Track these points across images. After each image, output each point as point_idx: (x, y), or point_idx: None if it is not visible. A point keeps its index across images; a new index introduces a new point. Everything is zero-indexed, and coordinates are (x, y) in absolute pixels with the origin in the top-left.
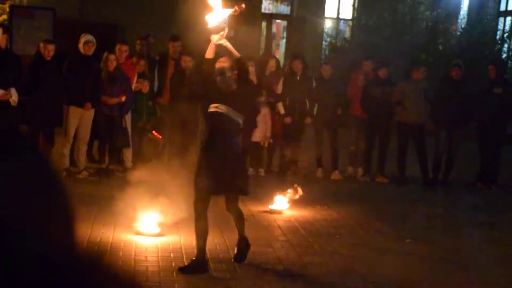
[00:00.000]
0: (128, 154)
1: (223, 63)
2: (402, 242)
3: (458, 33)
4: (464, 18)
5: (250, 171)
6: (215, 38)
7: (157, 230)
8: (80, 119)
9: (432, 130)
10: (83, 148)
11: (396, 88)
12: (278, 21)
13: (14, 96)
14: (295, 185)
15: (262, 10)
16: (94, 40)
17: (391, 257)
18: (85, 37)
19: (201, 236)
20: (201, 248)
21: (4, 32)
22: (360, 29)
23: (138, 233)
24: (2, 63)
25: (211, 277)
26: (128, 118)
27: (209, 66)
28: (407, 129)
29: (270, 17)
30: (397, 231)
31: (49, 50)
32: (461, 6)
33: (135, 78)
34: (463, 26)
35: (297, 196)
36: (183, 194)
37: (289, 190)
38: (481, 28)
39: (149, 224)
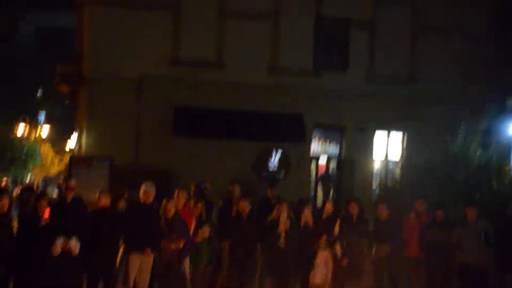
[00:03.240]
0: None
1: None
2: None
3: None
4: None
5: None
6: None
7: None
8: (140, 265)
9: (497, 275)
10: None
11: (454, 230)
12: (326, 162)
13: (75, 246)
14: None
15: (311, 153)
16: (153, 189)
17: None
18: (145, 186)
19: None
20: None
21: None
22: (411, 169)
23: None
24: (66, 215)
25: None
26: (186, 262)
27: None
28: (469, 273)
29: (319, 159)
30: None
31: (103, 200)
32: None
33: (193, 222)
34: None
35: None
36: None
37: None
38: None
39: None
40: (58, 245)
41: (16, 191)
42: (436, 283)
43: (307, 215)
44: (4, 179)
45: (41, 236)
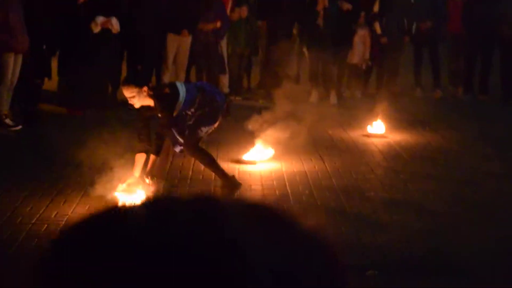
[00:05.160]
0: (224, 80)
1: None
2: (511, 166)
3: None
4: None
5: (347, 92)
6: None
7: (259, 158)
8: (178, 46)
9: None
10: (182, 75)
11: (500, 3)
12: None
13: (115, 24)
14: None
15: None
16: None
17: (500, 181)
18: None
19: (212, 164)
20: (221, 172)
21: None
22: None
23: (240, 161)
24: None
25: (314, 205)
26: (224, 44)
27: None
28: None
29: None
30: (505, 153)
31: None
32: None
33: (230, 1)
34: None
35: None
36: (279, 120)
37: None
38: None
39: (251, 153)
40: (98, 22)
41: None
42: (476, 58)
43: None
44: None
45: (79, 14)
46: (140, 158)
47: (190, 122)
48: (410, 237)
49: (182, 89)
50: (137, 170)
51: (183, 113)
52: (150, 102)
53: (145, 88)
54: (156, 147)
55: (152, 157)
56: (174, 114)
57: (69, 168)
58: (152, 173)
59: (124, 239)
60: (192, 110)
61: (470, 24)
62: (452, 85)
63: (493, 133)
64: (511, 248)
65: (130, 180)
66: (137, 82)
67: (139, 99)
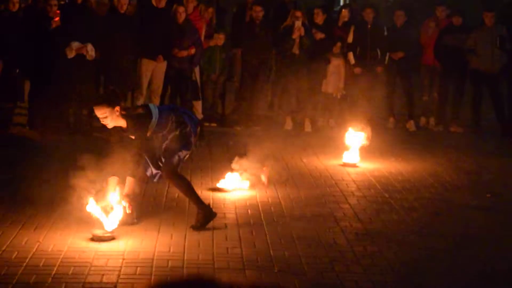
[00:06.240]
0: (198, 106)
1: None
2: (481, 197)
3: None
4: None
5: (321, 121)
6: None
7: (233, 186)
8: (153, 71)
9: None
10: (155, 100)
11: (470, 35)
12: None
13: (90, 51)
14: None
15: None
16: None
17: (471, 213)
18: None
19: (190, 191)
20: (198, 200)
21: None
22: None
23: (214, 189)
24: (78, 18)
25: (288, 233)
26: (197, 70)
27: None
28: (481, 77)
29: None
30: (476, 185)
31: (122, 4)
32: None
33: (204, 28)
34: None
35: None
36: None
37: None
38: None
39: (225, 180)
40: (74, 48)
41: None
42: (448, 89)
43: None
44: None
45: (53, 39)
46: (112, 181)
47: (164, 146)
48: (383, 268)
49: (155, 110)
50: (110, 193)
51: (156, 135)
52: (122, 123)
53: (117, 108)
54: (132, 169)
55: (129, 179)
56: (148, 134)
57: (38, 193)
58: (129, 196)
59: None
60: (165, 132)
61: (442, 55)
62: (425, 116)
63: (465, 165)
64: (481, 279)
65: (102, 204)
66: (109, 101)
67: (111, 119)
